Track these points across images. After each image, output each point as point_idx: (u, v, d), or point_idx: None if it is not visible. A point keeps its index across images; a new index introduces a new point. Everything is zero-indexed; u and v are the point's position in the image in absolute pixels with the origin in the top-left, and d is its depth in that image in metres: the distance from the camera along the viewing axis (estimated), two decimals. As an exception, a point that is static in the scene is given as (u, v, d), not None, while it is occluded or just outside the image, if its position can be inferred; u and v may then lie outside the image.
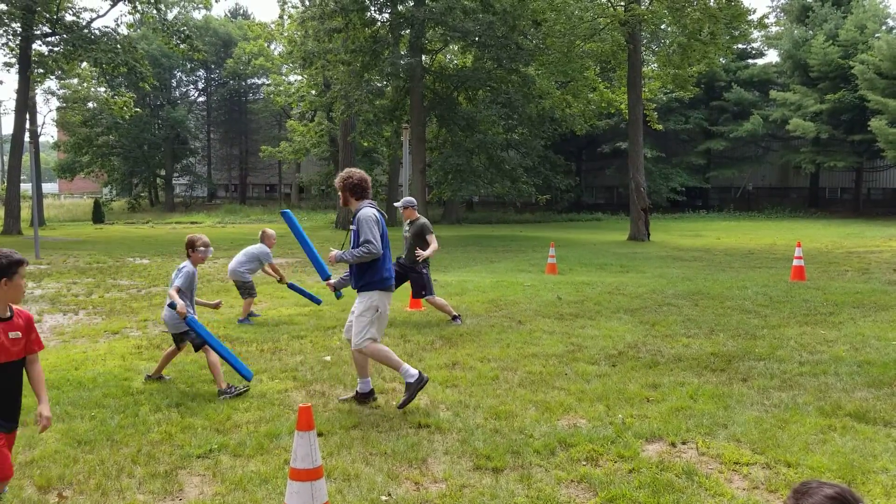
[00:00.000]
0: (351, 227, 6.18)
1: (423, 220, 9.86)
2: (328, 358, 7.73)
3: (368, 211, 6.02)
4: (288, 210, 6.88)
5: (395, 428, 5.51)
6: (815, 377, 6.73)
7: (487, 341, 8.45)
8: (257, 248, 10.15)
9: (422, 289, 9.78)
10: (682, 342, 8.34)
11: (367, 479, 4.56)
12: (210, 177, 61.31)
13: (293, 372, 7.14)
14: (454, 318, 9.68)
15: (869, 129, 34.98)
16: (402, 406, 5.86)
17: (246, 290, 9.99)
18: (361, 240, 5.94)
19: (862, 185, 43.38)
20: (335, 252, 6.08)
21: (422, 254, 9.56)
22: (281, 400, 6.25)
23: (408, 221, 10.01)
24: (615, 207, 45.96)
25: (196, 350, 6.70)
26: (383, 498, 4.33)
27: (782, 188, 47.00)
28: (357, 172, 6.23)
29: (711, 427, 5.43)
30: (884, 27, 41.41)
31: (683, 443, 5.17)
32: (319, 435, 5.21)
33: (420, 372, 5.92)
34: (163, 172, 54.54)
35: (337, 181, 6.25)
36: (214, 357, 6.41)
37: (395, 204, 10.19)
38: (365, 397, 6.15)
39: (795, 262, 13.93)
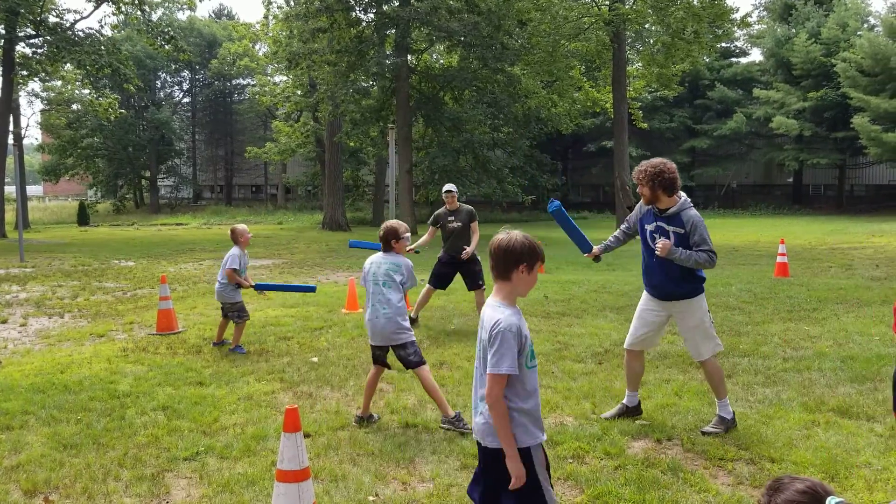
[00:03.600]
0: (656, 223, 5.29)
1: (469, 207, 9.49)
2: (315, 359, 7.73)
3: (698, 214, 5.19)
4: (557, 202, 5.76)
5: (382, 428, 5.53)
6: (798, 373, 6.80)
7: (474, 340, 8.44)
8: (229, 253, 8.45)
9: (480, 279, 9.29)
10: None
11: (355, 479, 4.58)
12: (195, 178, 61.00)
13: (280, 373, 7.13)
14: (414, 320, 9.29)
15: (851, 126, 35.27)
16: (706, 433, 5.23)
17: (235, 311, 8.24)
18: (703, 247, 5.13)
19: (845, 182, 43.72)
20: (668, 245, 5.10)
21: (467, 251, 9.16)
22: (268, 401, 6.25)
23: (450, 210, 9.41)
24: (601, 206, 46.09)
25: (407, 367, 5.74)
26: (371, 498, 4.35)
27: (766, 185, 47.29)
28: (669, 164, 5.22)
29: (697, 423, 5.47)
30: (865, 25, 41.77)
31: (669, 439, 5.21)
32: (306, 436, 5.22)
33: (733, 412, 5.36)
34: (147, 174, 54.21)
35: (639, 175, 5.21)
36: (430, 381, 5.62)
37: (449, 188, 9.42)
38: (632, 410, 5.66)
39: (779, 259, 14.04)
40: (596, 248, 5.63)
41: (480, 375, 3.18)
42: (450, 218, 9.39)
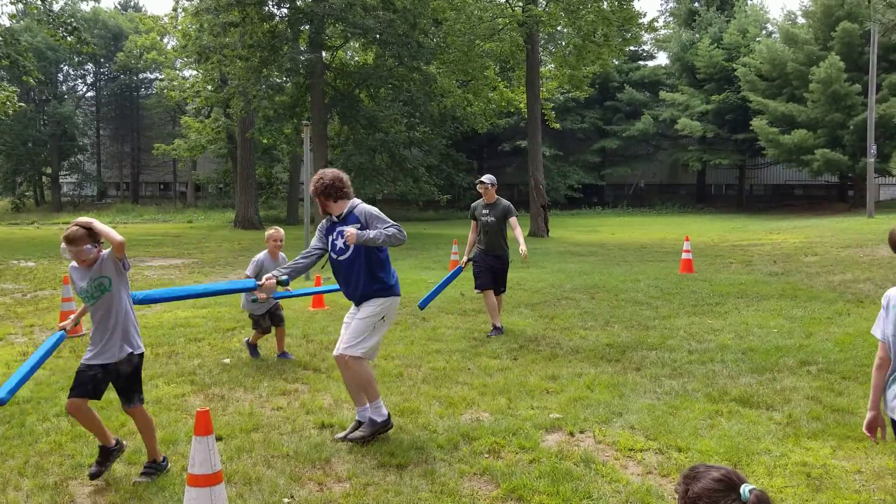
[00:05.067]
0: (336, 230, 5.29)
1: (507, 202, 8.77)
2: (227, 361, 7.57)
3: (371, 206, 5.32)
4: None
5: (297, 429, 5.45)
6: (703, 365, 7.07)
7: (391, 339, 8.46)
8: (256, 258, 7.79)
9: (503, 284, 8.81)
10: (580, 334, 8.60)
11: (269, 481, 4.50)
12: (100, 175, 58.67)
13: (191, 376, 6.95)
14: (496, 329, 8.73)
15: (751, 128, 36.82)
16: (345, 438, 5.13)
17: (256, 321, 7.75)
18: (387, 224, 5.13)
19: (745, 182, 45.68)
20: (353, 230, 5.03)
21: (523, 249, 8.50)
22: (178, 405, 6.08)
23: (486, 203, 8.72)
24: (516, 204, 45.73)
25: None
26: (285, 500, 4.29)
27: (672, 185, 48.94)
28: (328, 172, 5.34)
29: (607, 416, 5.63)
30: (764, 31, 43.75)
31: (581, 432, 5.34)
32: (219, 439, 5.10)
33: (389, 414, 5.23)
34: (49, 171, 51.87)
35: (311, 192, 5.31)
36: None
37: (482, 179, 8.70)
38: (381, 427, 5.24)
39: (684, 256, 14.57)
40: (272, 278, 5.16)
41: None
42: (484, 211, 8.70)
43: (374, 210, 5.28)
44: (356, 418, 5.30)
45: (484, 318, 9.71)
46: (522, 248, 8.52)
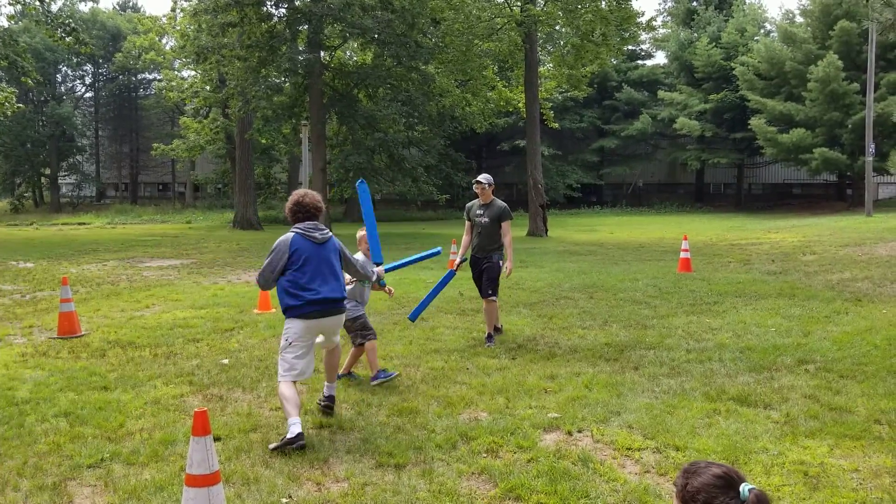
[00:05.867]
0: None
1: (503, 203, 8.39)
2: (226, 361, 7.57)
3: (283, 237, 5.57)
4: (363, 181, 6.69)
5: (296, 429, 5.45)
6: (700, 364, 7.08)
7: (390, 339, 8.46)
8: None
9: (492, 287, 8.18)
10: (578, 334, 8.61)
11: (267, 481, 4.51)
12: (98, 176, 58.64)
13: (189, 376, 6.95)
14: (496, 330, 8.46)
15: (749, 127, 36.85)
16: (274, 448, 5.08)
17: (357, 330, 6.72)
18: None
19: (743, 181, 45.71)
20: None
21: (509, 268, 8.20)
22: (176, 405, 6.08)
23: (482, 203, 8.34)
24: (515, 204, 46.40)
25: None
26: (283, 500, 4.30)
27: (670, 184, 48.95)
28: (292, 196, 5.64)
29: (605, 415, 5.63)
30: (762, 30, 43.78)
31: (579, 431, 5.35)
32: (217, 440, 5.11)
33: (302, 434, 5.08)
34: (48, 171, 51.83)
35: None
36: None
37: (479, 179, 8.33)
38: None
39: (682, 255, 14.57)
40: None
41: None
42: (479, 212, 8.31)
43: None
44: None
45: (482, 317, 9.67)
46: (508, 267, 8.23)
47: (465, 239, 8.49)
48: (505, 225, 8.23)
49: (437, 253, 7.90)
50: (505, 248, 8.26)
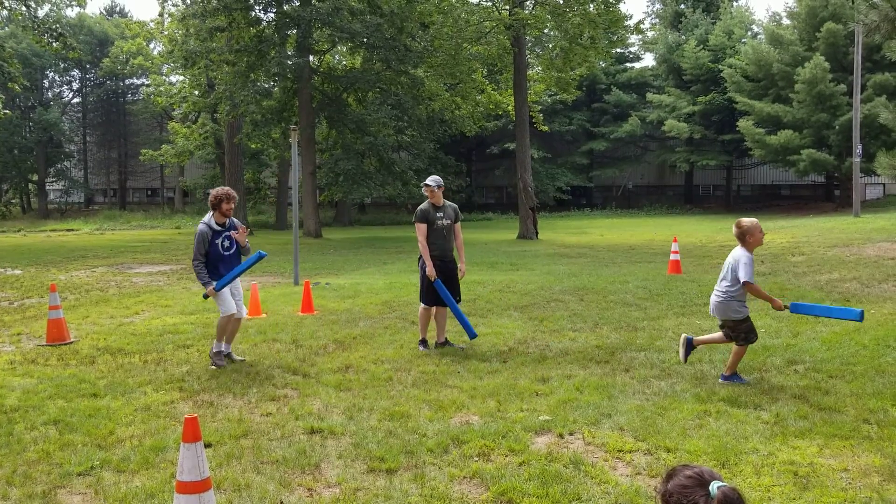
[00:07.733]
0: (223, 235, 7.78)
1: (453, 203, 8.37)
2: (215, 367, 7.53)
3: (199, 227, 7.65)
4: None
5: (286, 435, 5.45)
6: (691, 365, 7.10)
7: (381, 343, 8.46)
8: (734, 255, 6.56)
9: (458, 293, 8.22)
10: (569, 336, 8.62)
11: (259, 487, 4.50)
12: (87, 181, 58.44)
13: (179, 382, 6.92)
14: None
15: (737, 129, 37.06)
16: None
17: (741, 331, 6.44)
18: None
19: (732, 183, 45.96)
20: (241, 229, 7.85)
21: (462, 269, 8.31)
22: (167, 412, 6.06)
23: (436, 206, 8.17)
24: (505, 207, 46.84)
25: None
26: (276, 506, 4.28)
27: (660, 186, 49.17)
28: (215, 191, 7.73)
29: (597, 417, 5.64)
30: (749, 33, 44.05)
31: (571, 433, 5.35)
32: (207, 446, 5.09)
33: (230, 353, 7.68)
34: (35, 178, 51.58)
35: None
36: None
37: (428, 182, 8.18)
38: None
39: (672, 257, 14.63)
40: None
41: None
42: (439, 214, 8.13)
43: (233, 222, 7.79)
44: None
45: (473, 320, 9.67)
46: (462, 268, 8.29)
47: (425, 242, 8.11)
48: (458, 225, 8.32)
49: (263, 256, 7.79)
50: (458, 249, 8.34)
